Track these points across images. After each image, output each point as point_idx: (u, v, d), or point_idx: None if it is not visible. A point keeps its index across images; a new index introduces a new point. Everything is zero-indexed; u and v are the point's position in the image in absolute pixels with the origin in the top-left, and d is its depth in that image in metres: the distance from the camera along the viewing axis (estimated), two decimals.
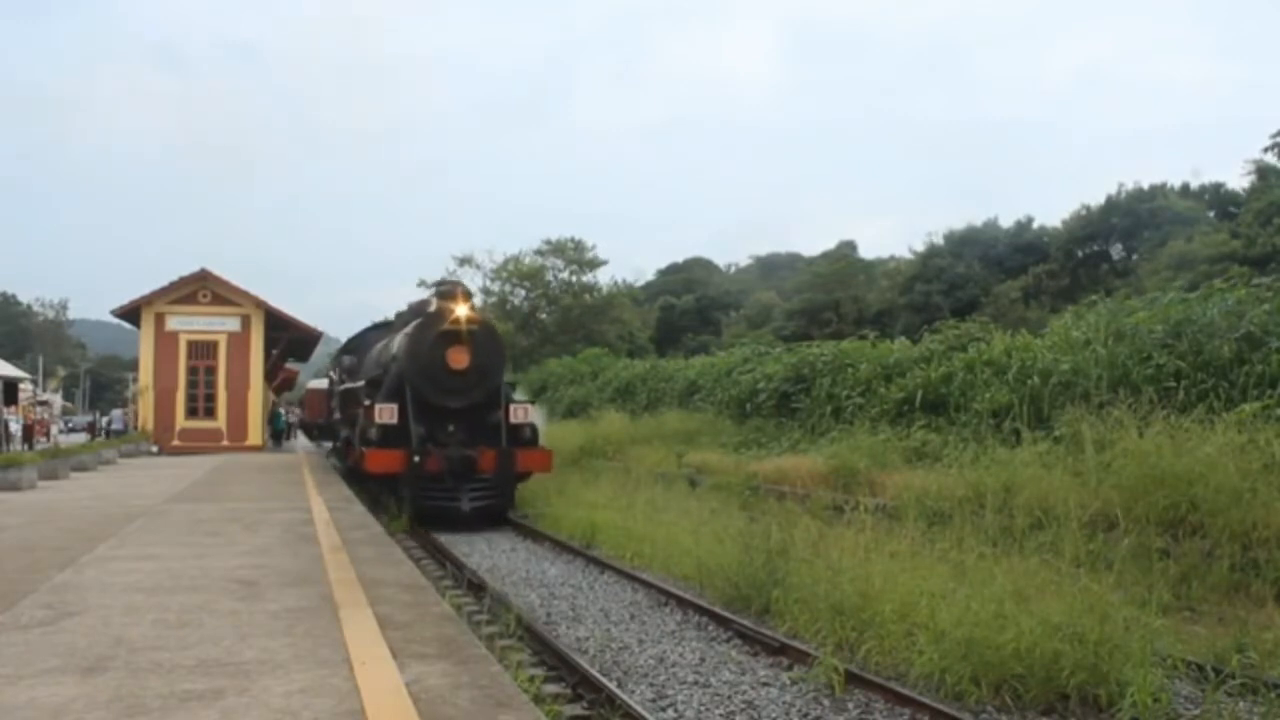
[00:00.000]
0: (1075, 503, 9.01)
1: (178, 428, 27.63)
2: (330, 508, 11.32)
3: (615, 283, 54.70)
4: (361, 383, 17.74)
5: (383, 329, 20.65)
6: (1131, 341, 13.81)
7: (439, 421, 14.90)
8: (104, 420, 33.81)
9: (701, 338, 55.18)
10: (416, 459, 14.04)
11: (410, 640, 4.77)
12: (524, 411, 15.55)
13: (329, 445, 29.58)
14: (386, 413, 14.61)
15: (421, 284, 45.21)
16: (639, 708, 5.58)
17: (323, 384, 47.58)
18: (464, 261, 50.19)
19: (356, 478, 17.47)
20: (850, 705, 5.75)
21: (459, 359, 14.90)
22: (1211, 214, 46.02)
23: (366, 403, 15.52)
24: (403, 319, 18.27)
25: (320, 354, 57.24)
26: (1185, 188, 49.97)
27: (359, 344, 21.85)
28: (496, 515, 14.88)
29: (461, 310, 14.99)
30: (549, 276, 52.20)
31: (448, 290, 16.21)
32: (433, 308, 15.90)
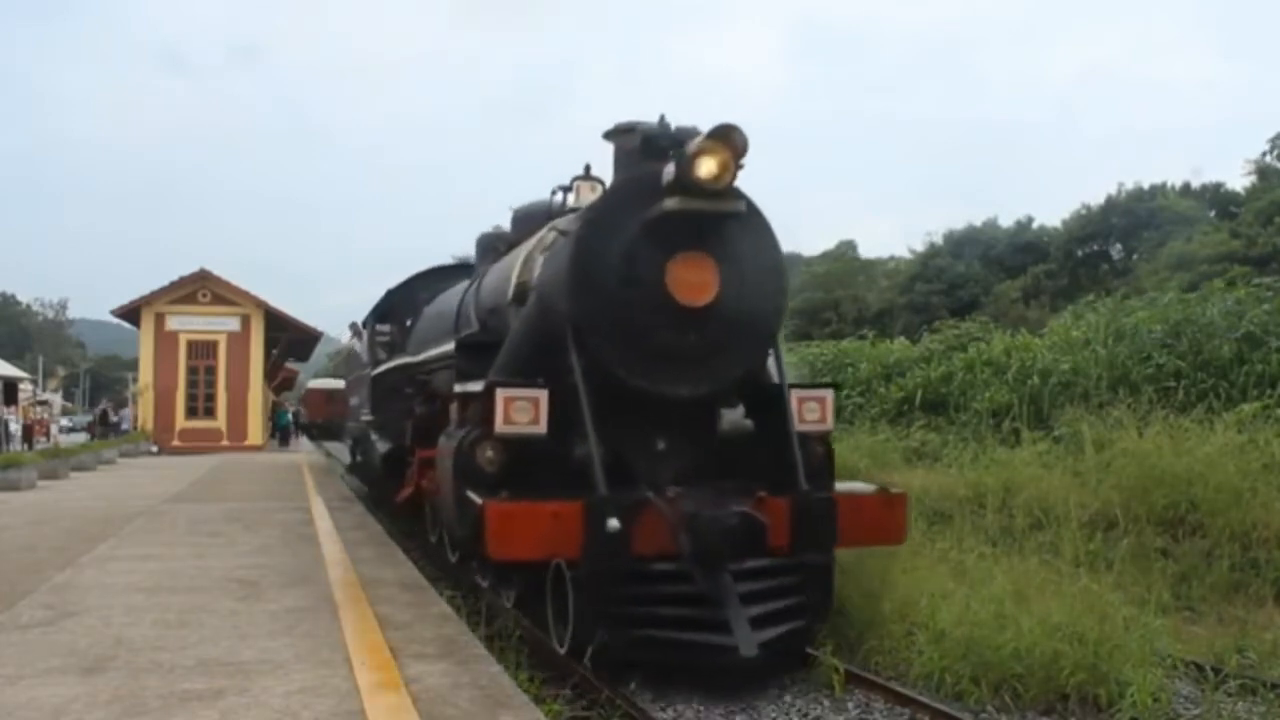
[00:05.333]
0: (1075, 503, 9.02)
1: (177, 428, 27.63)
2: (330, 507, 11.32)
3: None
4: (442, 348, 8.38)
5: (444, 274, 12.17)
6: (1131, 341, 13.81)
7: (637, 431, 6.26)
8: (114, 416, 33.68)
9: None
10: (613, 525, 5.43)
11: (410, 640, 4.77)
12: (823, 407, 6.72)
13: (338, 453, 25.41)
14: (524, 409, 5.98)
15: None
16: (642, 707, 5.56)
17: (323, 383, 47.58)
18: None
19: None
20: (850, 705, 5.75)
21: (697, 282, 5.97)
22: (1212, 214, 46.00)
23: (462, 389, 6.96)
24: (492, 246, 9.02)
25: (320, 354, 57.31)
26: (1185, 188, 49.95)
27: (402, 302, 12.56)
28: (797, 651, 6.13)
29: (707, 166, 5.70)
30: None
31: (658, 132, 6.40)
32: (576, 198, 7.53)
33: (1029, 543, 8.20)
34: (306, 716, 3.60)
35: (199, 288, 28.08)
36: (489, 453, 6.05)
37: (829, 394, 6.87)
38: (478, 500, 5.62)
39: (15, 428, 29.74)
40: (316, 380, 51.89)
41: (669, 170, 5.76)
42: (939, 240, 54.44)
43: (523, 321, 6.67)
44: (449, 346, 7.85)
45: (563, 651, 5.87)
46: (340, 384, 39.39)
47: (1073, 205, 50.29)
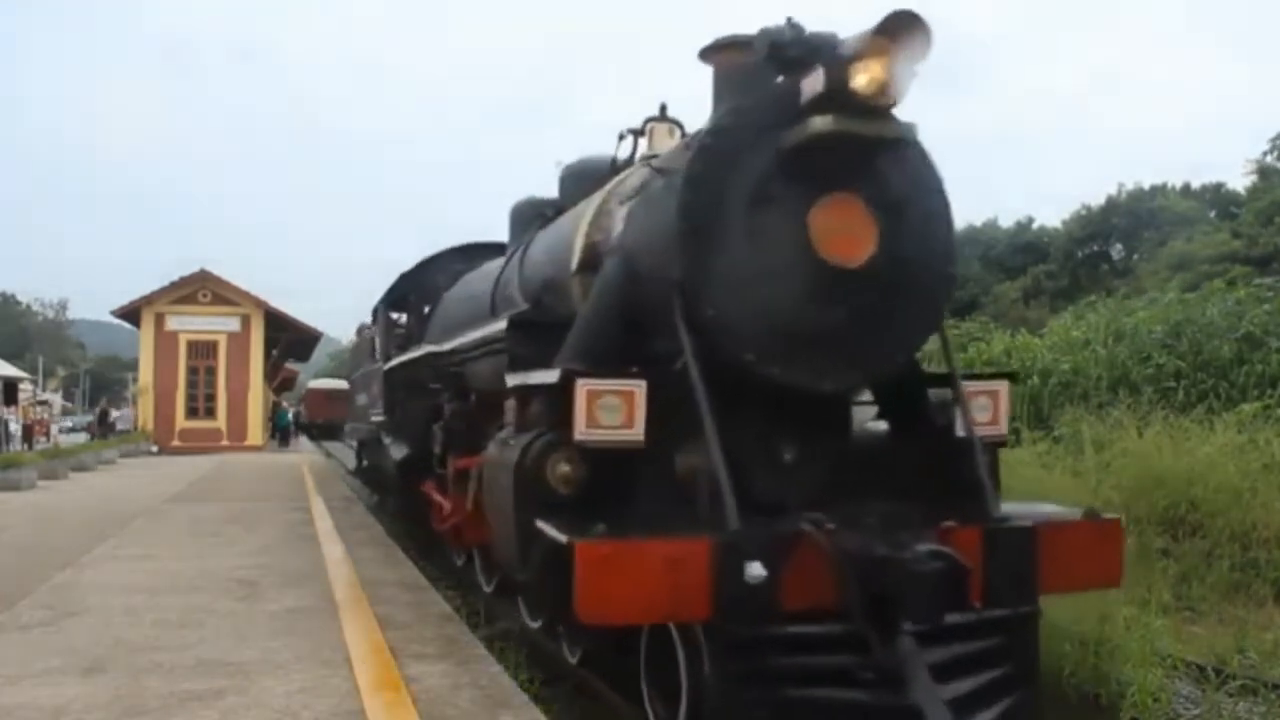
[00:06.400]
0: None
1: (177, 428, 27.66)
2: (330, 508, 11.32)
3: None
4: (480, 333, 6.44)
5: (466, 254, 10.45)
6: (1131, 342, 13.85)
7: (756, 436, 4.47)
8: (112, 416, 33.81)
9: None
10: (756, 572, 3.61)
11: (410, 640, 4.77)
12: (995, 404, 4.91)
13: (338, 454, 25.71)
14: (614, 408, 4.23)
15: None
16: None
17: (323, 383, 47.67)
18: None
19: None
20: None
21: (850, 234, 4.32)
22: (1212, 214, 46.05)
23: (521, 381, 4.75)
24: (537, 212, 7.48)
25: (320, 354, 57.31)
26: (1185, 188, 50.03)
27: (418, 287, 11.00)
28: None
29: (871, 73, 3.97)
30: None
31: (789, 38, 4.38)
32: (649, 144, 6.11)
33: None
34: (306, 716, 3.60)
35: (199, 288, 28.11)
36: (564, 467, 4.31)
37: (1004, 387, 5.03)
38: (559, 537, 3.80)
39: (15, 428, 29.76)
40: (316, 380, 51.99)
41: (814, 80, 4.15)
42: None
43: (599, 293, 5.02)
44: (489, 329, 6.18)
45: None
46: (341, 384, 39.39)
47: (1073, 205, 50.39)
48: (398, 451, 9.73)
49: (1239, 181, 46.94)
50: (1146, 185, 49.32)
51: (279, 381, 41.37)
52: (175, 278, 28.01)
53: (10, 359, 42.51)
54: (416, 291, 11.03)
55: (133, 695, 3.85)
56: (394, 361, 10.37)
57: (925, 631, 3.85)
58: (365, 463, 14.10)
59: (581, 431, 4.13)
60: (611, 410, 4.20)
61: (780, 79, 4.41)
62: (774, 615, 3.72)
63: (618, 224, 5.17)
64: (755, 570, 3.61)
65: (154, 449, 26.16)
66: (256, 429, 28.57)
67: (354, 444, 16.14)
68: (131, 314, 28.30)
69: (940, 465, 4.60)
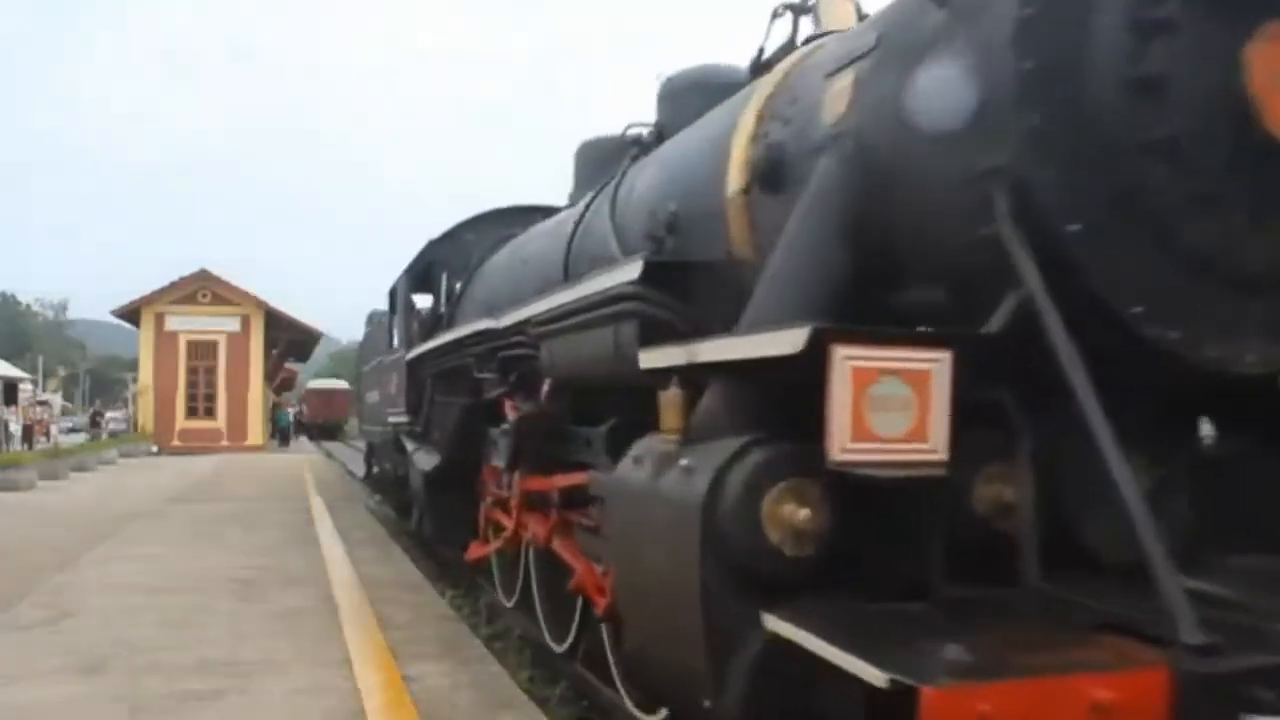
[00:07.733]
0: None
1: (177, 428, 27.67)
2: (331, 508, 11.32)
3: None
4: (560, 299, 4.23)
5: (504, 219, 8.56)
6: None
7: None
8: (105, 418, 34.00)
9: None
10: None
11: (410, 640, 4.78)
12: None
13: (338, 453, 26.19)
14: (897, 405, 2.19)
15: None
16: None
17: (323, 383, 47.67)
18: None
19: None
20: None
21: None
22: None
23: (688, 359, 2.72)
24: (630, 140, 5.07)
25: (320, 354, 57.26)
26: None
27: (446, 261, 9.03)
28: None
29: None
30: None
31: None
32: (816, 24, 3.96)
33: None
34: (306, 717, 3.61)
35: (199, 288, 28.13)
36: (799, 510, 2.39)
37: None
38: (874, 675, 1.84)
39: (15, 428, 29.76)
40: (316, 380, 52.01)
41: None
42: None
43: (810, 213, 2.91)
44: (592, 285, 3.83)
45: None
46: (341, 384, 39.25)
47: None
48: (426, 460, 7.69)
49: None
50: None
51: (279, 381, 41.37)
52: (175, 278, 28.06)
53: (10, 359, 42.55)
54: (446, 264, 8.94)
55: (133, 695, 3.85)
56: (421, 348, 8.31)
57: None
58: (377, 470, 12.46)
59: (847, 447, 2.25)
60: (893, 409, 2.29)
61: None
62: None
63: (829, 105, 3.13)
64: None
65: (154, 449, 26.16)
66: (257, 429, 28.57)
67: (365, 448, 14.68)
68: (131, 314, 28.32)
69: None
